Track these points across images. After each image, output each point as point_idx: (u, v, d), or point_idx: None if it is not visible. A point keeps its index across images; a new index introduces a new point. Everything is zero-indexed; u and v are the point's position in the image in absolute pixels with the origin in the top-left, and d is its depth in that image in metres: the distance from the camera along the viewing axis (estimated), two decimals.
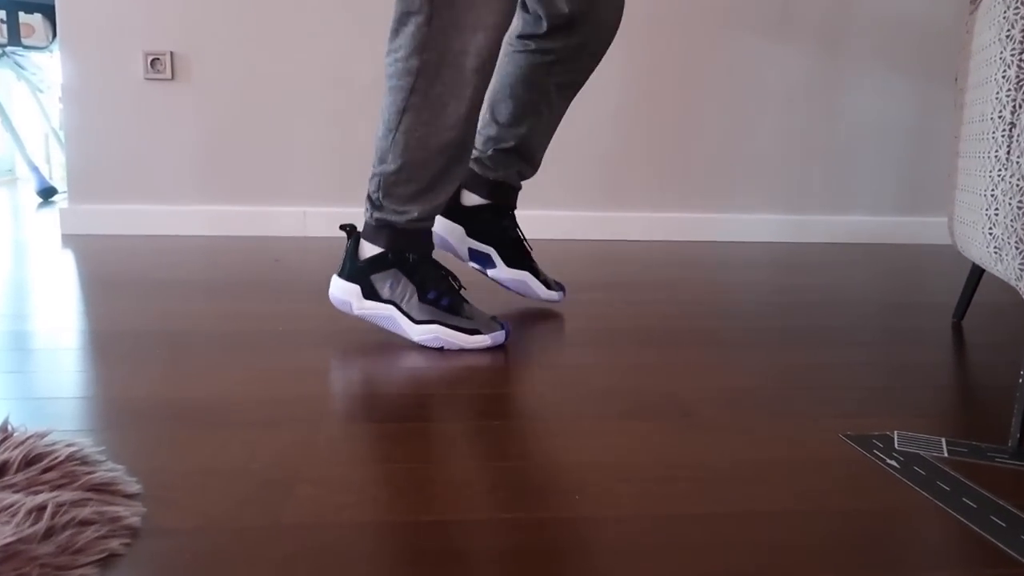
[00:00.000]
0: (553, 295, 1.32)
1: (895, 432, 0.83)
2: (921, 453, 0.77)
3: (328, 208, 2.19)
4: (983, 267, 1.05)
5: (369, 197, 1.07)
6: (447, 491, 0.66)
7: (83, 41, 2.06)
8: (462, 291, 1.34)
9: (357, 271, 1.08)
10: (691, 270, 1.83)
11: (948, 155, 2.45)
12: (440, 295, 1.07)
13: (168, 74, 2.08)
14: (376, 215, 1.07)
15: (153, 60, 2.07)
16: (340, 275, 1.09)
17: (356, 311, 1.08)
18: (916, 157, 2.41)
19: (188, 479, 0.67)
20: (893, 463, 0.75)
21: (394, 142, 1.02)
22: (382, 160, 1.04)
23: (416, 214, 1.05)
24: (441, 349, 1.06)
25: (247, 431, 0.78)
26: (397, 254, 1.07)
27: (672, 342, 1.17)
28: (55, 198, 2.82)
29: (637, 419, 0.85)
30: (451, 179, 1.06)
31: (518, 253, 1.30)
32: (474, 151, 1.26)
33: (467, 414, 0.86)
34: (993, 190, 0.92)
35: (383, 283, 1.07)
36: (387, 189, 1.04)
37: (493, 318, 1.09)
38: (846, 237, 2.42)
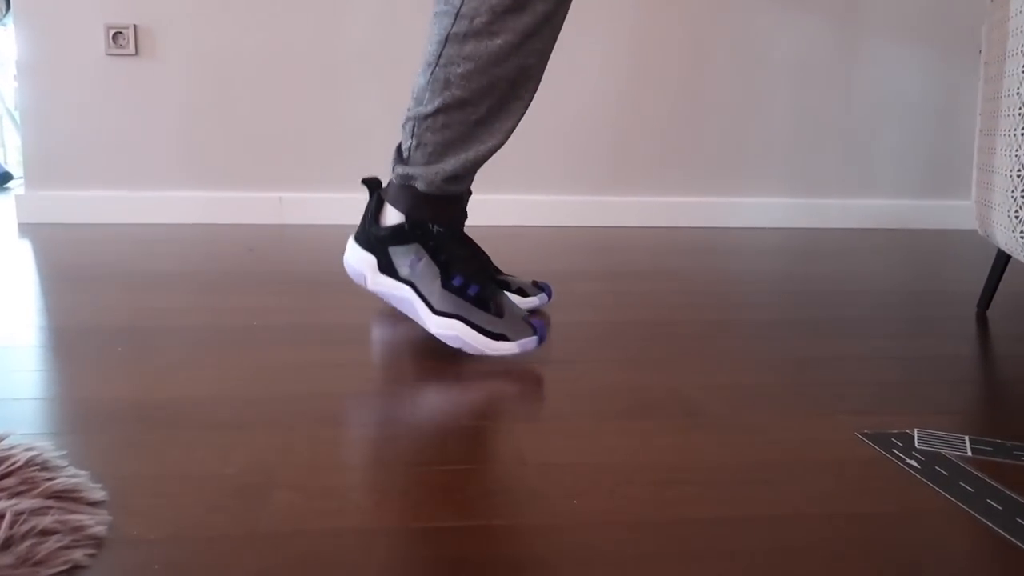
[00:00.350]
0: (533, 302, 1.23)
1: (915, 430, 0.83)
2: (943, 452, 0.78)
3: (306, 193, 2.18)
4: (1008, 253, 1.05)
5: (398, 148, 0.99)
6: (437, 496, 0.66)
7: (39, 13, 2.04)
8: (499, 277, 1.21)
9: (375, 239, 1.00)
10: (698, 258, 1.83)
11: (973, 133, 2.46)
12: (467, 282, 0.97)
13: (131, 49, 2.06)
14: (402, 171, 0.98)
15: (115, 34, 2.05)
16: (356, 240, 1.02)
17: (371, 286, 1.01)
18: (940, 136, 2.41)
19: (156, 485, 0.67)
20: (913, 463, 0.75)
21: (432, 78, 0.92)
22: (418, 102, 0.94)
23: (449, 170, 0.96)
24: (459, 351, 0.99)
25: (219, 433, 0.78)
26: (419, 226, 0.98)
27: (677, 335, 1.17)
28: (10, 184, 2.80)
29: (639, 418, 0.85)
30: (498, 127, 0.94)
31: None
32: None
33: (457, 414, 0.86)
34: (1019, 170, 0.93)
35: (403, 259, 0.98)
36: (420, 136, 0.94)
37: (526, 318, 1.00)
38: (865, 222, 2.42)
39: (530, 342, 0.98)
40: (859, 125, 2.38)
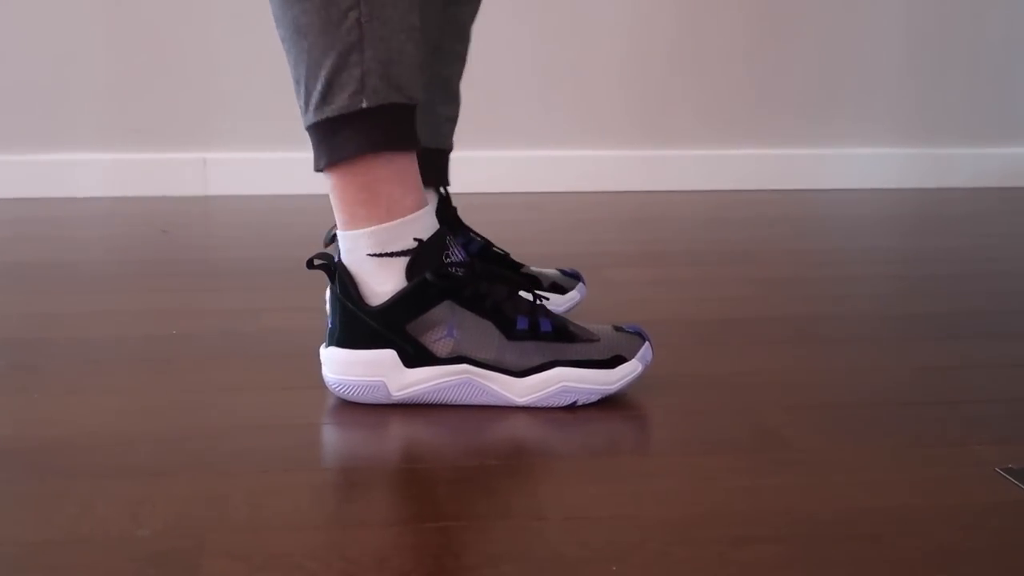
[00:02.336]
0: (574, 297, 1.24)
1: None
2: None
3: (237, 153, 2.18)
4: None
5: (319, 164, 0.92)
6: (424, 564, 0.66)
7: None
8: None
9: (381, 325, 0.92)
10: (773, 232, 1.83)
11: None
12: (534, 319, 0.95)
13: None
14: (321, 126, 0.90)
15: None
16: (339, 344, 0.94)
17: (397, 394, 0.93)
18: None
19: (44, 555, 0.67)
20: None
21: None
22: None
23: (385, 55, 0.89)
24: (573, 405, 0.94)
25: (130, 483, 0.78)
26: (440, 271, 0.91)
27: (748, 339, 1.17)
28: None
29: (702, 453, 0.85)
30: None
31: (496, 266, 1.18)
32: None
33: (451, 450, 0.86)
34: None
35: (437, 331, 0.92)
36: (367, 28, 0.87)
37: (618, 327, 0.98)
38: (1005, 178, 2.41)
39: (647, 352, 0.97)
40: (993, 50, 2.37)
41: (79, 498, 0.75)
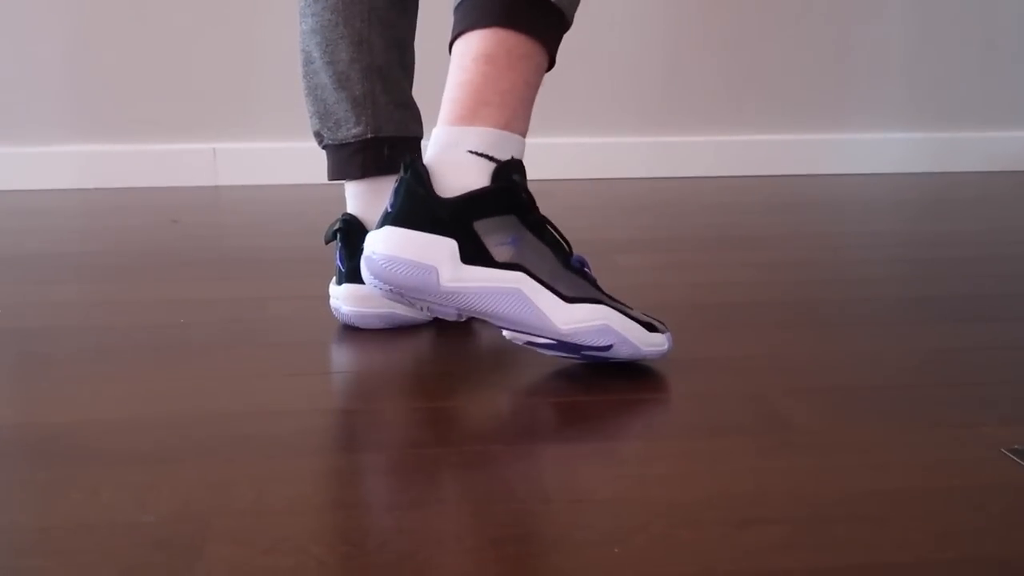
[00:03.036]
0: None
1: None
2: None
3: (248, 143, 2.18)
4: None
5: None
6: (427, 547, 0.66)
7: None
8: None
9: (448, 215, 0.91)
10: (781, 217, 1.82)
11: None
12: (584, 265, 0.98)
13: None
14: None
15: None
16: (401, 223, 0.91)
17: (449, 285, 0.90)
18: None
19: (48, 541, 0.67)
20: None
21: None
22: None
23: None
24: (608, 349, 0.94)
25: (135, 470, 0.78)
26: (512, 190, 0.93)
27: (758, 323, 1.17)
28: None
29: (709, 436, 0.85)
30: None
31: None
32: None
33: (456, 435, 0.86)
34: None
35: (501, 235, 0.92)
36: None
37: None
38: (1014, 162, 2.40)
39: (669, 337, 0.99)
40: (1006, 33, 2.35)
41: (85, 484, 0.75)
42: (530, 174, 2.31)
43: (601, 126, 2.27)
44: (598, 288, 0.97)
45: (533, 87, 0.95)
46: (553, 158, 2.25)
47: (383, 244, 0.90)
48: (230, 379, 0.98)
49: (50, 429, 0.86)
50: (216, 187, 2.16)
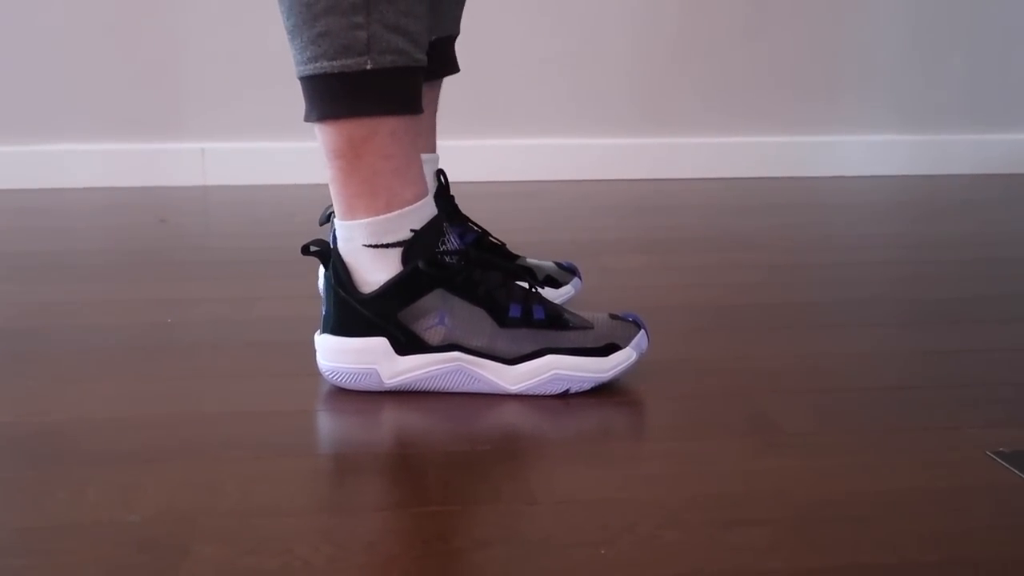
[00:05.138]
0: (569, 292, 1.23)
1: None
2: None
3: (236, 143, 2.18)
4: None
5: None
6: (413, 548, 0.66)
7: None
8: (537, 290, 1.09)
9: (373, 313, 0.92)
10: (774, 219, 1.83)
11: None
12: (527, 306, 0.95)
13: None
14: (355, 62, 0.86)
15: None
16: (332, 332, 0.94)
17: (389, 382, 0.93)
18: None
19: (33, 540, 0.67)
20: None
21: None
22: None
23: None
24: (566, 393, 0.94)
25: (121, 469, 0.78)
26: (432, 259, 0.91)
27: (745, 325, 1.17)
28: None
29: (696, 437, 0.85)
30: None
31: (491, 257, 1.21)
32: None
33: (443, 436, 0.86)
34: None
35: (428, 319, 0.92)
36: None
37: (615, 316, 0.97)
38: (1005, 165, 2.41)
39: (642, 340, 0.96)
40: (996, 36, 2.36)
41: (71, 484, 0.75)
42: (522, 175, 2.31)
43: (591, 128, 2.27)
44: (551, 319, 0.94)
45: (396, 155, 0.92)
46: (544, 160, 2.25)
47: (323, 355, 0.95)
48: (217, 379, 0.98)
49: (36, 428, 0.86)
50: (204, 187, 2.15)
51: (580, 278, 1.25)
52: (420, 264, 0.91)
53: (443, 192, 1.20)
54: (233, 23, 2.13)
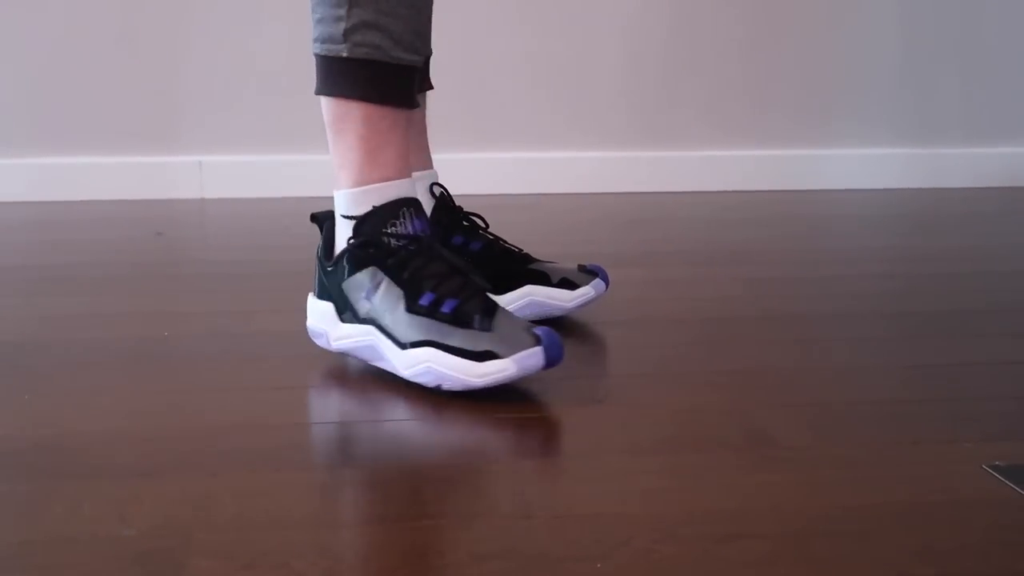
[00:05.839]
0: (587, 293, 1.20)
1: None
2: None
3: (233, 156, 2.18)
4: None
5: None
6: (409, 562, 0.66)
7: None
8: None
9: (328, 281, 1.03)
10: (769, 232, 1.83)
11: None
12: (441, 296, 0.97)
13: None
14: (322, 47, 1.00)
15: None
16: (315, 294, 1.07)
17: (334, 344, 1.03)
18: None
19: (28, 555, 0.67)
20: None
21: None
22: None
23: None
24: (439, 388, 0.96)
25: (116, 483, 0.78)
26: (373, 239, 0.99)
27: (740, 338, 1.17)
28: None
29: (688, 451, 0.85)
30: None
31: (501, 263, 1.22)
32: None
33: (439, 450, 0.86)
34: None
35: (358, 292, 1.00)
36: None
37: (531, 328, 0.95)
38: (1000, 178, 2.41)
39: (531, 357, 0.93)
40: (990, 49, 2.37)
41: (66, 498, 0.75)
42: (515, 188, 2.31)
43: (585, 141, 2.28)
44: (457, 315, 0.95)
45: (368, 138, 1.01)
46: (537, 172, 2.25)
47: (308, 315, 1.08)
48: (214, 392, 0.98)
49: (32, 442, 0.86)
50: (202, 200, 2.16)
51: (606, 282, 1.22)
52: (349, 241, 1.00)
53: (445, 205, 1.21)
54: (231, 36, 2.14)
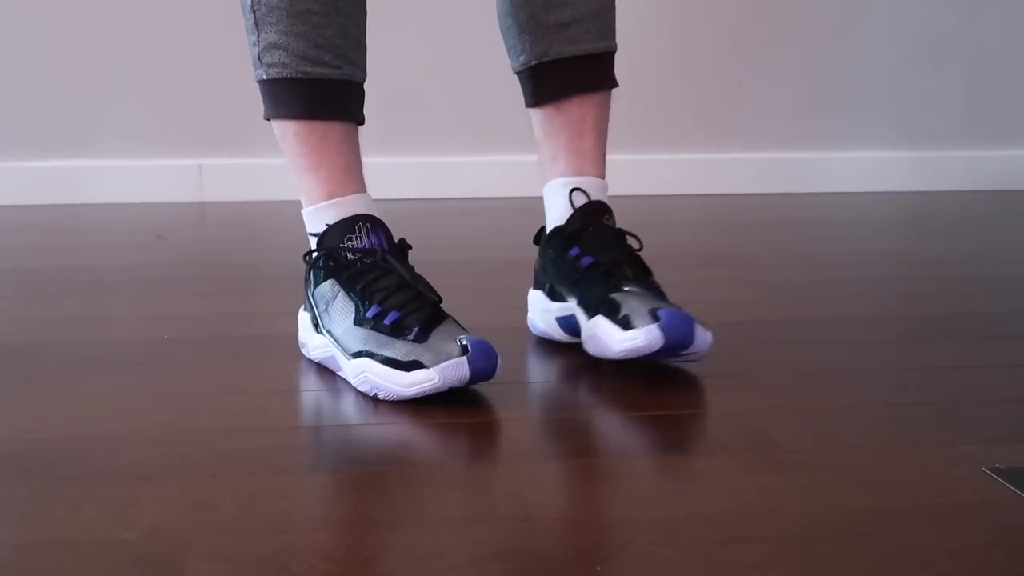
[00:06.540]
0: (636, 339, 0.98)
1: None
2: None
3: (233, 159, 2.18)
4: None
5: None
6: (410, 565, 0.66)
7: None
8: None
9: (305, 290, 1.07)
10: (769, 235, 1.83)
11: None
12: (386, 309, 0.98)
13: None
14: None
15: None
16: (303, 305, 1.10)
17: (311, 352, 1.07)
18: None
19: (27, 558, 0.67)
20: None
21: None
22: None
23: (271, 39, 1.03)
24: (375, 398, 0.96)
25: (116, 486, 0.78)
26: (330, 252, 1.02)
27: (741, 342, 1.17)
28: None
29: (691, 453, 0.85)
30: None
31: (600, 278, 1.10)
32: None
33: (440, 454, 0.86)
34: None
35: (322, 302, 1.04)
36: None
37: (463, 339, 0.94)
38: (1000, 181, 2.42)
39: (455, 368, 0.92)
40: (990, 53, 2.37)
41: (66, 501, 0.75)
42: (517, 192, 2.31)
43: None
44: (395, 327, 0.96)
45: (306, 155, 1.07)
46: (529, 176, 2.25)
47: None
48: (214, 396, 0.98)
49: (32, 445, 0.86)
50: (202, 203, 2.16)
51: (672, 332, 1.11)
52: (305, 256, 1.05)
53: (584, 213, 1.20)
54: (230, 39, 2.14)
